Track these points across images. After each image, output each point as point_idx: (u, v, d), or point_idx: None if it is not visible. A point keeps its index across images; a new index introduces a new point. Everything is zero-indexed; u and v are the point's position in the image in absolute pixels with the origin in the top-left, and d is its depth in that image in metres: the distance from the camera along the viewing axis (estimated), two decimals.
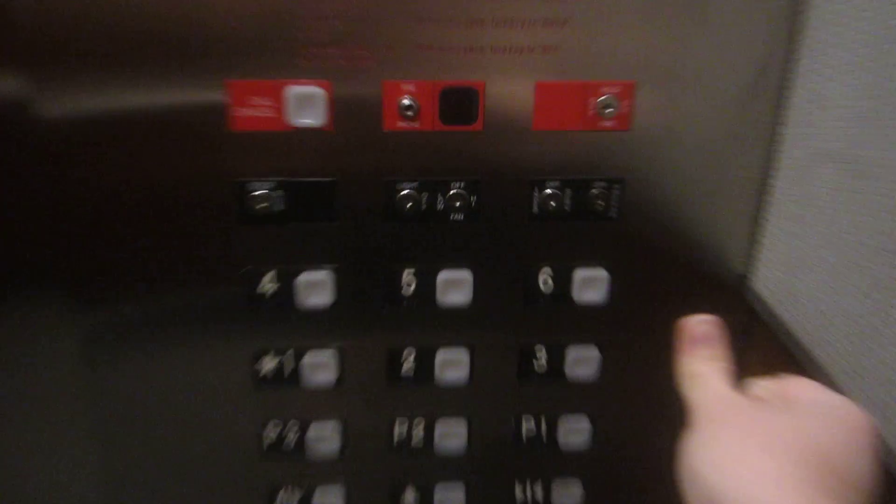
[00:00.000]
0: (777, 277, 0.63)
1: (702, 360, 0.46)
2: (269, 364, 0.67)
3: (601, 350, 0.69)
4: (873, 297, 0.50)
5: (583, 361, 0.69)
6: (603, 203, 0.62)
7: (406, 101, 0.57)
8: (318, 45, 0.56)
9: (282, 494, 0.73)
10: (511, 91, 0.59)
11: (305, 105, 0.57)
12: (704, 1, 0.56)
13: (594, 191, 0.62)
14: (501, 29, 0.56)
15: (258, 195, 0.60)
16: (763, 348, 0.67)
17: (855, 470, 0.36)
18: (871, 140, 0.50)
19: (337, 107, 0.58)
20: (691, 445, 0.38)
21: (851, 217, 0.53)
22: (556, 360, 0.69)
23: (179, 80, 0.56)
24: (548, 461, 0.75)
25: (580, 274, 0.65)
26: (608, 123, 0.60)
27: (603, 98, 0.58)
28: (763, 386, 0.44)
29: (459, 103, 0.58)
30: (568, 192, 0.62)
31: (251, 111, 0.57)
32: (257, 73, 0.56)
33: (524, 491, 0.76)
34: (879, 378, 0.50)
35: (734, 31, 0.58)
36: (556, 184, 0.62)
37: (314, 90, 0.57)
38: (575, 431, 0.73)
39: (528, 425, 0.72)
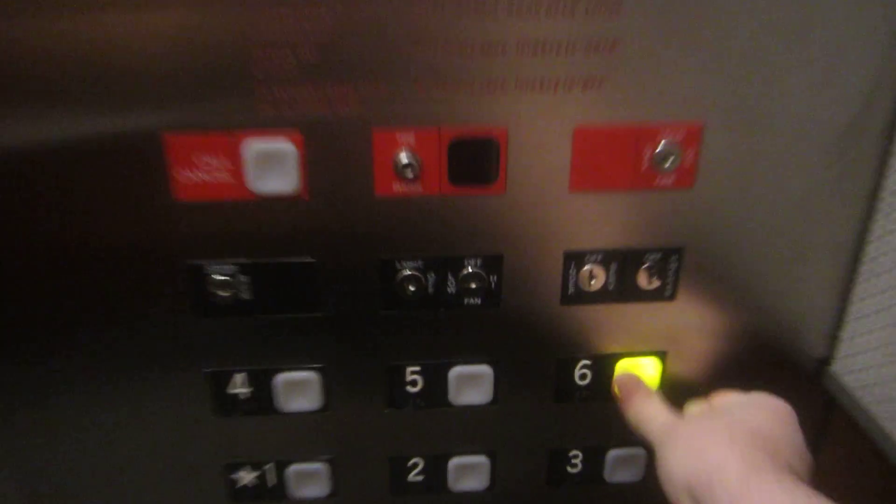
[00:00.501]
0: (870, 365, 0.42)
1: (640, 404, 0.42)
2: (246, 477, 0.45)
3: (648, 450, 0.47)
4: None
5: (626, 463, 0.48)
6: (658, 280, 0.41)
7: (405, 158, 0.36)
8: (284, 83, 0.34)
9: None
10: (541, 140, 0.37)
11: (271, 165, 0.36)
12: (794, 17, 0.35)
13: (646, 265, 0.41)
14: (528, 56, 0.35)
15: (218, 281, 0.38)
16: (842, 444, 0.47)
17: (782, 438, 0.37)
18: None
19: (312, 167, 0.37)
20: (659, 465, 0.38)
21: None
22: (594, 462, 0.48)
23: (107, 131, 0.35)
24: None
25: (627, 365, 0.44)
26: (667, 180, 0.39)
27: (661, 147, 0.37)
28: (695, 406, 0.43)
29: (474, 158, 0.37)
30: (612, 266, 0.41)
31: (200, 175, 0.36)
32: (205, 123, 0.35)
33: None
34: None
35: (832, 53, 0.37)
36: (598, 257, 0.41)
37: (281, 145, 0.36)
38: None
39: None
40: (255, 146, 0.35)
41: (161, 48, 0.33)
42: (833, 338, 0.45)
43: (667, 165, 0.38)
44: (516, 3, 0.34)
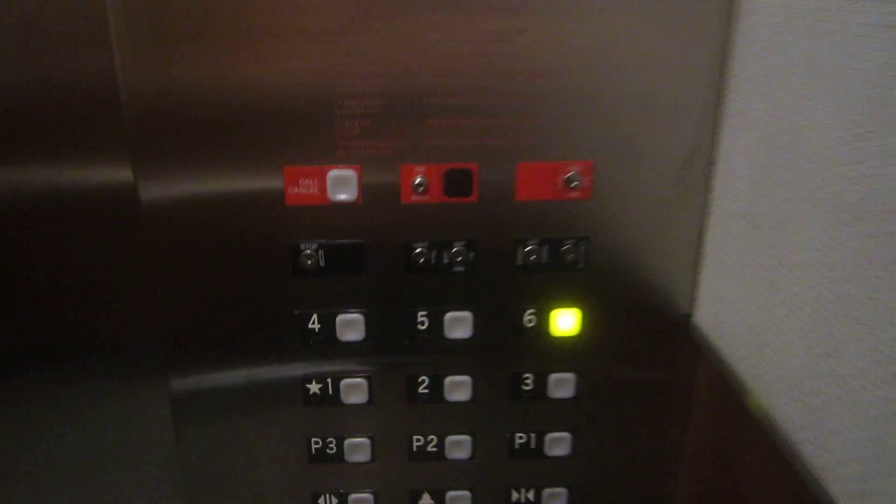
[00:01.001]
0: (710, 311, 0.69)
1: None
2: (315, 387, 0.73)
3: (577, 374, 0.73)
4: (766, 314, 0.57)
5: (562, 384, 0.74)
6: (572, 257, 0.68)
7: (418, 180, 0.64)
8: (352, 139, 0.63)
9: (322, 500, 0.79)
10: (498, 171, 0.65)
11: (342, 184, 0.64)
12: (646, 95, 0.63)
13: (565, 247, 0.67)
14: (490, 127, 0.63)
15: (306, 253, 0.67)
16: (706, 372, 0.72)
17: None
18: (761, 200, 0.57)
19: (365, 186, 0.64)
20: None
21: (751, 259, 0.59)
22: (541, 384, 0.73)
23: (251, 167, 0.64)
24: (538, 469, 0.78)
25: (557, 313, 0.71)
26: (574, 194, 0.65)
27: (569, 174, 0.65)
28: None
29: (459, 181, 0.64)
30: (545, 248, 0.67)
31: (302, 189, 0.64)
32: (306, 160, 0.64)
33: (519, 495, 0.80)
34: (771, 376, 0.55)
35: (671, 117, 0.63)
36: (535, 242, 0.67)
37: (349, 173, 0.64)
38: (559, 442, 0.76)
39: (520, 441, 0.77)
40: (333, 173, 0.64)
41: (285, 117, 0.62)
42: (693, 297, 0.70)
43: (573, 185, 0.66)
44: (478, 106, 0.63)
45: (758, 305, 0.59)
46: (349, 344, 0.71)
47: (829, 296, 0.50)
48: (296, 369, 0.72)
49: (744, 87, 0.60)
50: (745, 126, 0.60)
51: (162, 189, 0.64)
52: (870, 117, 0.44)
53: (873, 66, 0.43)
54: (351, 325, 0.70)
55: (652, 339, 0.73)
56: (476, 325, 0.71)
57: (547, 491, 0.79)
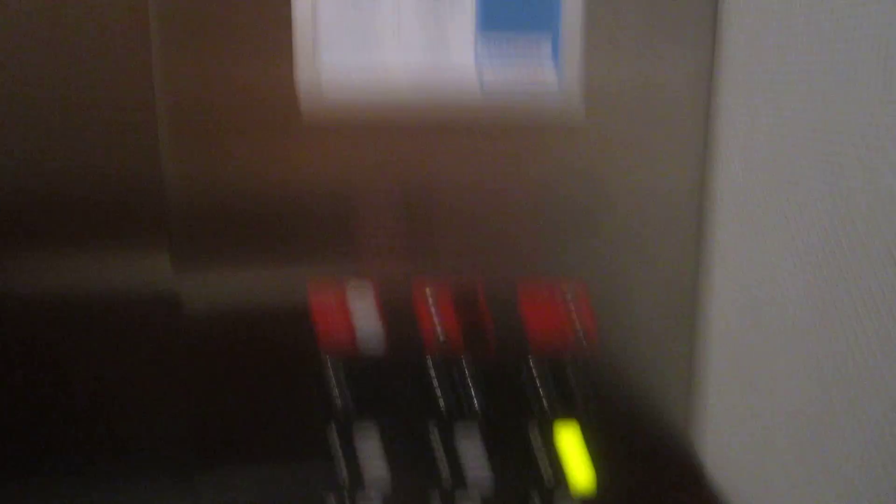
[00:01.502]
0: (709, 432, 0.75)
1: None
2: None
3: None
4: (751, 445, 0.64)
5: None
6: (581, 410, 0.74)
7: (441, 338, 0.71)
8: (370, 256, 0.71)
9: None
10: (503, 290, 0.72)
11: (365, 320, 0.71)
12: (635, 225, 0.71)
13: (575, 403, 0.74)
14: (494, 254, 0.72)
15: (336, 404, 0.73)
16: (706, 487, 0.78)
17: None
18: (741, 340, 0.65)
19: (391, 330, 0.72)
20: None
21: (738, 393, 0.67)
22: None
23: (279, 279, 0.71)
24: None
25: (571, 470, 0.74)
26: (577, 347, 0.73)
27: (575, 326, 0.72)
28: None
29: (469, 312, 0.72)
30: (557, 403, 0.74)
31: (332, 332, 0.71)
32: (329, 272, 0.71)
33: None
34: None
35: (659, 253, 0.72)
36: (548, 400, 0.74)
37: (370, 311, 0.71)
38: None
39: None
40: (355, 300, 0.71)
41: (311, 231, 0.70)
42: (689, 416, 0.77)
43: (578, 328, 0.74)
44: (482, 231, 0.71)
45: (744, 437, 0.66)
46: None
47: (801, 428, 0.57)
48: (325, 467, 0.74)
49: (722, 231, 0.69)
50: (727, 273, 0.69)
51: (198, 288, 0.70)
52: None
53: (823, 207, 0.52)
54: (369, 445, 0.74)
55: (652, 448, 0.77)
56: (494, 482, 0.74)
57: None
